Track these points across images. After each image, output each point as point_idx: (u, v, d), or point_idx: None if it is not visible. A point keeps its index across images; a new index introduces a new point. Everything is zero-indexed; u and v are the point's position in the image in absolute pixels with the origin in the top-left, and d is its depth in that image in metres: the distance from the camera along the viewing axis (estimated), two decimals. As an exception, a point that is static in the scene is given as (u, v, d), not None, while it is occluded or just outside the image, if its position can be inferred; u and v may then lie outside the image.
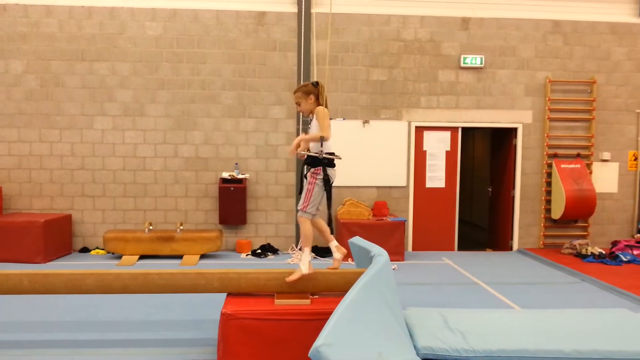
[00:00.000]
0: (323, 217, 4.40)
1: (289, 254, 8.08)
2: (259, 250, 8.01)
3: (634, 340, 3.90)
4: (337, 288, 3.92)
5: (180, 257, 7.50)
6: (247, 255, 7.97)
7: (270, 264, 7.39)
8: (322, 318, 3.21)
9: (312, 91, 4.15)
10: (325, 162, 4.02)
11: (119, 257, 7.45)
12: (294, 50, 8.20)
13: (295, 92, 4.24)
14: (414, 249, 8.53)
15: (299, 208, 4.10)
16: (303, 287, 3.83)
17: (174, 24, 8.10)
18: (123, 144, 8.14)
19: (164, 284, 3.80)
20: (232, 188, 7.97)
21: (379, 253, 4.01)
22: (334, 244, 4.20)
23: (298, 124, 8.24)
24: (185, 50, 8.11)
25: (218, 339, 3.63)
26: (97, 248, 8.03)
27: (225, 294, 3.92)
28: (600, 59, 8.59)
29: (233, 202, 7.99)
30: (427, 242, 8.55)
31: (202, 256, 7.59)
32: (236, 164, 8.17)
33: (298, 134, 8.22)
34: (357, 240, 4.79)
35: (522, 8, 8.46)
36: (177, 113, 8.15)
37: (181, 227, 7.72)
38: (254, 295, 3.87)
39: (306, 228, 4.05)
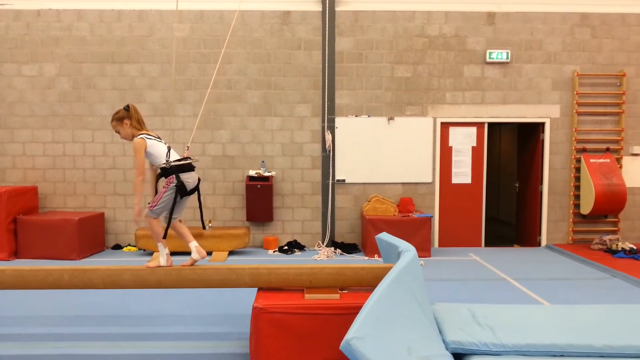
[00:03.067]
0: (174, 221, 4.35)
1: (315, 250, 8.16)
2: (286, 247, 8.11)
3: (667, 336, 3.85)
4: (365, 283, 3.97)
5: (209, 253, 7.65)
6: (274, 251, 8.07)
7: (297, 260, 7.48)
8: (351, 312, 3.26)
9: (125, 116, 4.23)
10: (176, 169, 4.10)
11: (151, 254, 7.64)
12: (319, 48, 8.26)
13: (111, 122, 4.30)
14: (440, 245, 8.52)
15: (147, 205, 4.14)
16: (332, 282, 3.89)
17: (201, 25, 8.24)
18: (152, 144, 8.32)
19: (196, 279, 3.91)
20: (258, 186, 8.08)
21: (407, 249, 4.05)
22: (194, 244, 4.23)
23: (323, 121, 8.30)
24: (212, 51, 8.24)
25: (250, 332, 3.72)
26: (129, 245, 8.25)
27: (255, 289, 4.01)
28: (630, 52, 8.42)
29: (260, 199, 8.10)
30: (453, 238, 8.53)
31: (231, 252, 7.73)
32: (262, 161, 8.28)
33: (323, 132, 8.30)
34: (384, 236, 4.83)
35: (548, 1, 8.35)
36: (205, 112, 8.29)
37: (210, 224, 7.86)
38: (284, 290, 3.95)
39: (152, 226, 4.13)
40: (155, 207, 4.07)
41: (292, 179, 8.42)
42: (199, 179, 4.33)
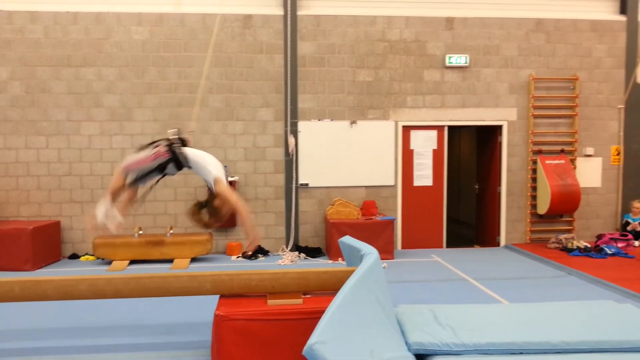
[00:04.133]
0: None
1: (279, 254, 8.11)
2: (249, 253, 8.03)
3: (619, 330, 3.99)
4: (328, 287, 3.96)
5: (170, 261, 7.50)
6: (237, 257, 7.99)
7: (261, 265, 7.42)
8: (314, 317, 3.25)
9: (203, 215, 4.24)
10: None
11: (109, 263, 7.43)
12: (281, 52, 8.24)
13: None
14: (403, 247, 8.61)
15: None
16: (294, 287, 3.87)
17: (161, 28, 8.10)
18: (111, 149, 8.12)
19: (156, 287, 3.82)
20: (221, 191, 7.97)
21: (369, 252, 4.07)
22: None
23: (286, 125, 8.28)
24: (172, 54, 8.11)
25: (212, 340, 3.66)
26: (87, 254, 8.00)
27: (217, 296, 3.95)
28: (582, 56, 8.74)
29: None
30: (416, 240, 8.64)
31: (193, 260, 7.60)
32: (225, 166, 8.16)
33: (286, 137, 8.28)
34: (347, 239, 4.84)
35: (505, 7, 8.58)
36: (165, 117, 8.14)
37: (171, 231, 7.72)
38: (246, 296, 3.90)
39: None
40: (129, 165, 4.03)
41: (256, 184, 8.36)
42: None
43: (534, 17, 8.61)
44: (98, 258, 7.67)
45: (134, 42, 8.07)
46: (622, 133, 8.83)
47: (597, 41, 8.74)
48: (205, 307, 4.91)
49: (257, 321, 3.55)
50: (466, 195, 11.23)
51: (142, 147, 4.19)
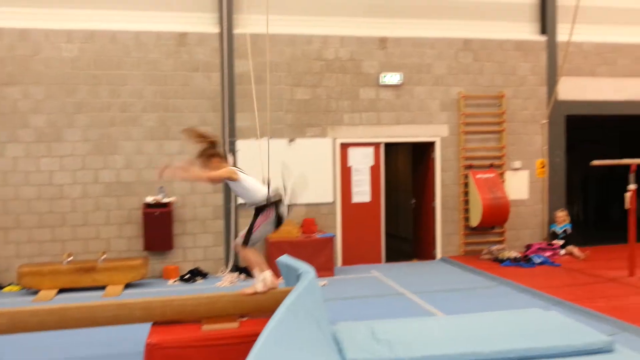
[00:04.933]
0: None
1: (218, 276, 7.96)
2: (188, 276, 7.83)
3: (545, 337, 4.19)
4: (266, 309, 3.93)
5: (103, 288, 7.19)
6: (174, 281, 7.76)
7: (199, 289, 7.24)
8: (250, 341, 3.20)
9: (214, 153, 4.30)
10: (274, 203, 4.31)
11: (36, 293, 7.03)
12: (218, 70, 8.19)
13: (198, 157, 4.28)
14: (343, 263, 8.67)
15: (240, 235, 4.31)
16: (231, 310, 3.81)
17: (92, 45, 7.85)
18: (38, 172, 7.73)
19: (82, 317, 3.66)
20: (157, 213, 7.78)
21: (306, 271, 4.09)
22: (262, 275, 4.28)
23: (224, 144, 8.19)
24: (104, 72, 7.87)
25: (144, 370, 3.53)
26: (11, 284, 7.53)
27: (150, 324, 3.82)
28: (507, 74, 9.22)
29: (158, 227, 7.79)
30: (356, 256, 8.73)
31: (127, 285, 7.31)
32: (161, 187, 7.98)
33: (225, 154, 8.17)
34: (284, 259, 4.84)
35: (435, 27, 8.94)
36: (96, 137, 7.87)
37: (103, 257, 7.41)
38: (180, 322, 3.81)
39: (249, 255, 4.27)
40: (254, 236, 4.21)
41: (193, 204, 8.19)
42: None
43: (462, 37, 9.02)
44: (23, 288, 7.24)
45: (64, 60, 7.77)
46: (545, 147, 9.36)
47: (521, 60, 9.26)
48: (139, 336, 4.74)
49: (191, 348, 3.47)
50: (404, 210, 11.48)
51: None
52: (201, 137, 4.34)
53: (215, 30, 8.18)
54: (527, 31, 9.38)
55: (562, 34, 9.10)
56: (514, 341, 4.10)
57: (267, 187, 4.27)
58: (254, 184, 4.29)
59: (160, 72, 8.04)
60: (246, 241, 4.16)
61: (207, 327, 3.63)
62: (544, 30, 9.34)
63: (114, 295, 6.82)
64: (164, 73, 8.05)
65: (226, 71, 8.15)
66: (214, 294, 3.90)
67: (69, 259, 7.29)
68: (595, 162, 7.08)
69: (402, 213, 11.72)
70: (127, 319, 3.69)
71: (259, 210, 4.26)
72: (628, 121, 11.15)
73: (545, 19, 9.27)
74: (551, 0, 9.22)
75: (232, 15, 8.18)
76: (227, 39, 8.14)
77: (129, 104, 7.96)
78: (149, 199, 7.85)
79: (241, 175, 4.24)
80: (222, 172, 4.21)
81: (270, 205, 4.23)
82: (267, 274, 4.14)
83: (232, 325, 3.67)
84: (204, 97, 8.17)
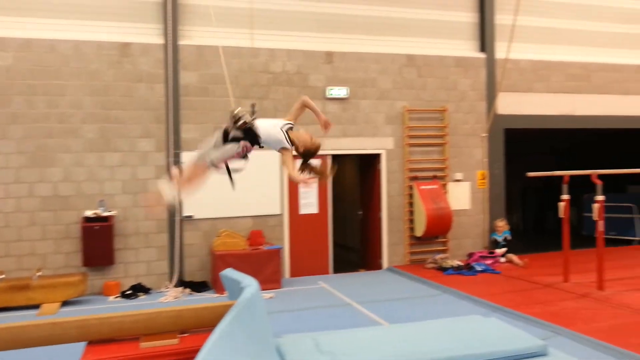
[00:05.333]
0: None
1: (162, 291, 7.76)
2: (129, 291, 7.60)
3: (484, 343, 4.32)
4: (207, 324, 3.85)
5: (38, 306, 6.85)
6: (115, 297, 7.51)
7: (141, 304, 7.03)
8: (190, 357, 3.15)
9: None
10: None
11: (-34, 312, 6.62)
12: (162, 81, 8.05)
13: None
14: (291, 275, 8.65)
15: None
16: (171, 326, 3.72)
17: (28, 54, 7.55)
18: (-33, 185, 7.33)
19: (12, 339, 3.46)
20: (96, 227, 7.51)
21: (249, 284, 4.05)
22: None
23: (169, 156, 8.05)
24: (40, 82, 7.58)
25: (78, 392, 3.39)
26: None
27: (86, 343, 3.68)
28: (449, 90, 9.54)
29: (98, 241, 7.52)
30: (303, 267, 8.73)
31: (65, 303, 7.00)
32: (101, 200, 7.73)
33: (168, 167, 8.04)
34: (228, 272, 4.77)
35: (379, 43, 9.16)
36: (32, 149, 7.54)
37: (39, 274, 7.07)
38: (118, 340, 3.68)
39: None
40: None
41: (136, 218, 7.97)
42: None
43: (406, 53, 9.27)
44: (-50, 308, 6.80)
45: (-5, 68, 7.44)
46: (485, 159, 9.72)
47: (462, 76, 9.61)
48: (75, 356, 4.54)
49: (128, 366, 3.36)
50: (351, 221, 11.59)
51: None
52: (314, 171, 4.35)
53: (160, 41, 8.06)
54: (467, 48, 9.77)
55: (500, 52, 9.53)
56: (454, 348, 4.21)
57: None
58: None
59: (102, 83, 7.82)
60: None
61: (146, 345, 3.52)
62: (483, 48, 9.75)
63: (50, 314, 6.52)
64: (106, 83, 7.84)
65: (171, 82, 8.03)
66: (153, 310, 3.79)
67: (1, 277, 6.91)
68: (531, 174, 7.42)
69: (350, 223, 11.82)
70: (61, 339, 3.52)
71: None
72: (563, 134, 11.78)
73: (484, 37, 9.69)
74: (489, 20, 9.65)
75: (177, 27, 8.08)
76: (172, 50, 8.03)
77: (68, 115, 7.69)
78: (89, 213, 7.58)
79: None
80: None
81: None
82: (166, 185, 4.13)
83: (171, 342, 3.58)
84: (147, 108, 8.01)
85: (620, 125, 10.64)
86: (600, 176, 6.73)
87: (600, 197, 6.64)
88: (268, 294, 7.34)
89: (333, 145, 8.86)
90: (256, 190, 8.48)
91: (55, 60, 7.66)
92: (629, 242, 10.98)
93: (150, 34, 8.06)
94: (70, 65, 7.70)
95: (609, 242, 10.30)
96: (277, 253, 7.87)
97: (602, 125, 10.50)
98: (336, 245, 9.21)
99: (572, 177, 7.18)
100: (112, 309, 6.81)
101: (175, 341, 3.59)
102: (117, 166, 7.87)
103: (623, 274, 7.63)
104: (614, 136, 12.22)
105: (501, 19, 9.59)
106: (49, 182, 7.60)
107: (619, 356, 4.38)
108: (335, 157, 9.14)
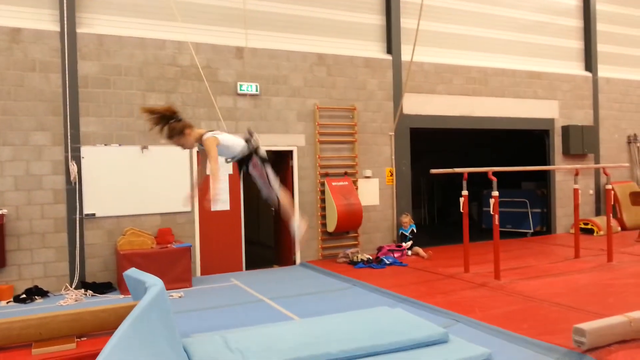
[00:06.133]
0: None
1: (62, 294, 7.27)
2: (24, 295, 7.04)
3: (389, 333, 4.49)
4: (108, 326, 3.68)
5: None
6: (8, 302, 6.92)
7: (37, 309, 6.53)
8: (89, 362, 2.98)
9: (185, 125, 4.29)
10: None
11: None
12: (58, 71, 7.52)
13: (169, 139, 4.21)
14: (202, 273, 8.45)
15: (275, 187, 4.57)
16: (67, 330, 3.49)
17: None
18: None
19: None
20: (-16, 227, 6.88)
21: (153, 283, 3.90)
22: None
23: (67, 151, 7.54)
24: None
25: (-42, 407, 3.08)
26: None
27: (-32, 353, 3.36)
28: (358, 89, 9.78)
29: (-13, 243, 6.90)
30: (215, 265, 8.56)
31: (-54, 311, 6.37)
32: (-10, 198, 7.09)
33: (67, 163, 7.55)
34: (132, 272, 4.58)
35: (290, 41, 9.18)
36: None
37: None
38: (6, 349, 3.39)
39: (286, 196, 4.64)
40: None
41: (30, 217, 7.40)
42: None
43: (317, 52, 9.38)
44: None
45: None
46: (393, 157, 10.08)
47: (370, 76, 9.88)
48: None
49: (17, 376, 3.11)
50: (265, 217, 11.56)
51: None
52: (155, 112, 4.07)
53: (55, 28, 7.52)
54: (375, 50, 10.07)
55: (406, 54, 9.91)
56: (361, 339, 4.33)
57: (248, 136, 4.43)
58: (232, 140, 4.39)
59: (-11, 70, 7.17)
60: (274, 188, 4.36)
61: (38, 351, 3.28)
62: (389, 49, 10.09)
63: None
64: (-6, 71, 7.20)
65: (67, 72, 7.52)
66: (47, 314, 3.54)
67: None
68: (433, 171, 7.78)
69: (264, 220, 11.79)
70: (-64, 350, 3.20)
71: (245, 161, 4.42)
72: (465, 134, 12.52)
73: (391, 40, 10.03)
74: (396, 23, 10.01)
75: (74, 13, 7.58)
76: (69, 38, 7.52)
77: (-51, 105, 6.97)
78: (-25, 213, 6.93)
79: (220, 138, 4.27)
80: (211, 149, 4.20)
81: (254, 153, 4.40)
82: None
83: (67, 347, 3.36)
84: (42, 100, 7.45)
85: (513, 126, 11.48)
86: (496, 173, 7.20)
87: (495, 193, 7.11)
88: (177, 293, 7.12)
89: (244, 141, 8.75)
90: (164, 187, 8.20)
91: None
92: (523, 234, 11.89)
93: (44, 20, 7.50)
94: (-49, 49, 6.99)
95: (505, 235, 11.14)
96: (187, 251, 7.64)
97: (498, 126, 11.27)
98: (251, 242, 9.13)
99: (474, 173, 7.62)
100: (4, 314, 6.25)
101: (72, 346, 3.38)
102: (7, 161, 7.25)
103: (517, 264, 8.24)
104: (511, 136, 13.18)
105: (406, 22, 9.98)
106: None
107: (511, 339, 4.71)
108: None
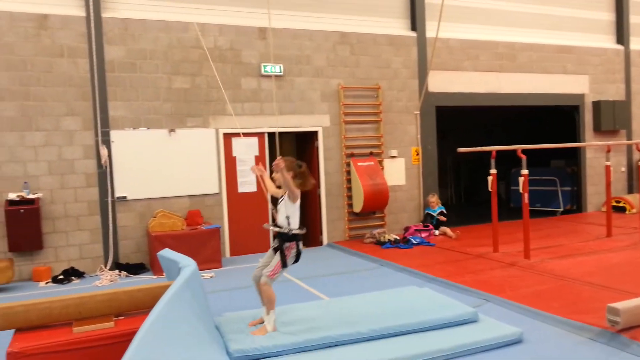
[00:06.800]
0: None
1: (97, 275, 7.48)
2: (61, 276, 7.27)
3: (418, 312, 4.50)
4: (143, 306, 3.77)
5: (-42, 296, 6.44)
6: (47, 283, 7.16)
7: (74, 289, 6.75)
8: (127, 340, 3.05)
9: (296, 171, 4.35)
10: (294, 238, 4.32)
11: None
12: (86, 56, 7.62)
13: (282, 162, 4.21)
14: (231, 254, 8.58)
15: (267, 274, 4.23)
16: (105, 310, 3.60)
17: None
18: None
19: None
20: (21, 210, 7.09)
21: (186, 264, 3.98)
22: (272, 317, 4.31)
23: (97, 135, 7.68)
24: (-52, 56, 6.98)
25: (6, 383, 3.22)
26: None
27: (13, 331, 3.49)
28: (382, 68, 9.66)
29: (24, 225, 7.11)
30: (244, 246, 8.68)
31: (-11, 291, 6.62)
32: (25, 182, 7.29)
33: (98, 147, 7.70)
34: (165, 252, 4.67)
35: (313, 20, 9.09)
36: (-57, 129, 6.97)
37: (-43, 262, 6.62)
38: (48, 327, 3.52)
39: (270, 293, 4.21)
40: (275, 275, 4.18)
41: (64, 200, 7.59)
42: None
43: (339, 31, 9.27)
44: None
45: None
46: (419, 136, 9.98)
47: (394, 54, 9.75)
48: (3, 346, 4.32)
49: (60, 353, 3.23)
50: (290, 198, 11.61)
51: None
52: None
53: (81, 13, 7.60)
54: (399, 27, 9.90)
55: (430, 31, 9.73)
56: (391, 319, 4.36)
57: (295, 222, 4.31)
58: (298, 213, 4.34)
59: (18, 57, 7.30)
60: (272, 278, 4.19)
61: (79, 329, 3.39)
62: (414, 26, 9.92)
63: (-29, 305, 6.12)
64: (22, 58, 7.32)
65: (95, 57, 7.61)
66: (85, 294, 3.64)
67: None
68: (461, 150, 7.69)
69: (289, 202, 11.82)
70: (-17, 329, 3.33)
71: (284, 240, 4.27)
72: (491, 111, 12.29)
73: (415, 16, 9.85)
74: (420, -1, 9.82)
75: (99, -2, 7.65)
76: (95, 23, 7.60)
77: (-17, 92, 7.15)
78: (12, 196, 7.14)
79: (298, 202, 4.32)
80: (296, 189, 4.29)
81: (297, 239, 4.28)
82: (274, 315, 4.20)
83: (106, 325, 3.47)
84: (71, 85, 7.57)
85: (542, 103, 11.22)
86: (526, 151, 7.08)
87: (525, 171, 6.99)
88: (208, 274, 7.25)
89: (270, 122, 8.78)
90: (192, 169, 8.30)
91: (-36, 32, 7.06)
92: (553, 213, 11.71)
93: (70, 5, 7.58)
94: (-18, 38, 7.13)
95: (535, 214, 10.97)
96: (216, 232, 7.76)
97: (527, 102, 11.04)
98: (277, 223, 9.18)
99: (502, 152, 7.50)
100: (42, 294, 6.47)
101: (110, 324, 3.48)
102: (40, 146, 7.43)
103: (547, 243, 8.13)
104: (540, 113, 12.91)
105: (431, -3, 9.79)
106: (-37, 164, 7.07)
107: (542, 319, 4.67)
108: (272, 135, 9.08)
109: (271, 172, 4.44)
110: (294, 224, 4.34)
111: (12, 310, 3.39)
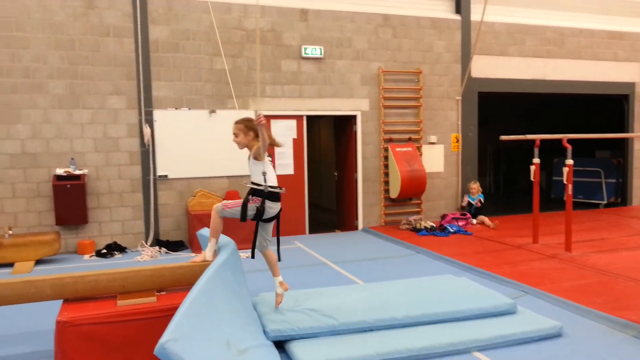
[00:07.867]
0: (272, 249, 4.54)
1: (138, 250, 7.72)
2: (104, 250, 7.53)
3: (455, 301, 4.46)
4: (184, 282, 3.87)
5: (11, 265, 6.75)
6: (90, 256, 7.44)
7: (116, 263, 6.99)
8: (169, 314, 3.16)
9: (253, 127, 4.18)
10: (266, 195, 4.18)
11: None
12: (131, 36, 7.77)
13: (236, 124, 4.20)
14: (267, 235, 8.67)
15: (222, 203, 4.19)
16: (148, 284, 3.71)
17: (-15, 4, 7.16)
18: None
19: (-15, 297, 3.41)
20: (68, 185, 7.35)
21: (226, 243, 4.05)
22: (278, 280, 4.33)
23: (140, 114, 7.85)
24: (1, 34, 7.22)
25: (55, 350, 3.37)
26: None
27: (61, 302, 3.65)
28: (424, 51, 9.48)
29: (71, 200, 7.38)
30: (280, 228, 8.72)
31: (39, 262, 6.91)
32: (72, 159, 7.54)
33: (141, 126, 7.87)
34: (204, 231, 4.77)
35: (355, 1, 8.98)
36: (-4, 105, 7.26)
37: (10, 232, 6.93)
38: (94, 299, 3.66)
39: (215, 220, 4.11)
40: (227, 209, 4.08)
41: (108, 177, 7.82)
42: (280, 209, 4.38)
43: (381, 13, 9.13)
44: None
45: (-46, 19, 7.04)
46: (460, 122, 9.79)
47: (437, 38, 9.55)
48: (50, 315, 4.51)
49: (105, 324, 3.35)
50: (327, 182, 11.65)
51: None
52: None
53: (128, -8, 7.73)
54: (443, 9, 9.68)
55: (476, 14, 9.47)
56: (427, 306, 4.33)
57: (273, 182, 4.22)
58: (270, 171, 4.24)
59: (67, 36, 7.50)
60: (224, 208, 4.11)
61: (123, 303, 3.52)
62: (458, 9, 9.67)
63: (24, 272, 6.42)
64: (71, 37, 7.52)
65: (140, 37, 7.75)
66: (130, 269, 3.76)
67: (-31, 236, 6.76)
68: (503, 137, 7.51)
69: (326, 185, 11.89)
70: (35, 297, 3.48)
71: (253, 193, 4.18)
72: (536, 98, 11.94)
73: (460, -1, 9.61)
74: (466, -20, 9.54)
75: (145, -23, 7.75)
76: (140, 3, 7.71)
77: (33, 70, 7.38)
78: (60, 171, 7.40)
79: (267, 159, 4.22)
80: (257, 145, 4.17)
81: (264, 196, 4.16)
82: (215, 246, 4.08)
83: (149, 300, 3.58)
84: (117, 64, 7.74)
85: (590, 91, 10.82)
86: (570, 141, 6.86)
87: (570, 161, 6.78)
88: (245, 254, 7.35)
89: (309, 105, 8.78)
90: (231, 150, 8.24)
91: (15, 11, 7.28)
92: (595, 206, 11.36)
93: (118, -15, 7.72)
94: (32, 16, 7.34)
95: (577, 206, 10.65)
96: (252, 213, 7.84)
97: (574, 90, 10.66)
98: (312, 206, 9.25)
99: (543, 141, 7.29)
100: (87, 267, 6.74)
101: (153, 299, 3.59)
102: (87, 123, 7.65)
103: (590, 236, 7.91)
104: (584, 101, 12.46)
105: (478, -21, 9.50)
106: (16, 139, 7.35)
107: (583, 314, 4.56)
108: (311, 118, 9.09)
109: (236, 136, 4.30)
110: (271, 181, 4.24)
111: (62, 281, 3.53)
